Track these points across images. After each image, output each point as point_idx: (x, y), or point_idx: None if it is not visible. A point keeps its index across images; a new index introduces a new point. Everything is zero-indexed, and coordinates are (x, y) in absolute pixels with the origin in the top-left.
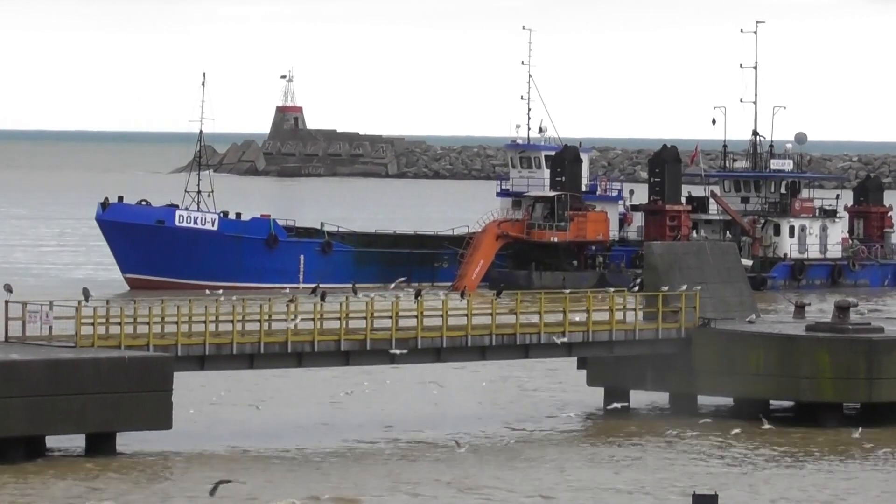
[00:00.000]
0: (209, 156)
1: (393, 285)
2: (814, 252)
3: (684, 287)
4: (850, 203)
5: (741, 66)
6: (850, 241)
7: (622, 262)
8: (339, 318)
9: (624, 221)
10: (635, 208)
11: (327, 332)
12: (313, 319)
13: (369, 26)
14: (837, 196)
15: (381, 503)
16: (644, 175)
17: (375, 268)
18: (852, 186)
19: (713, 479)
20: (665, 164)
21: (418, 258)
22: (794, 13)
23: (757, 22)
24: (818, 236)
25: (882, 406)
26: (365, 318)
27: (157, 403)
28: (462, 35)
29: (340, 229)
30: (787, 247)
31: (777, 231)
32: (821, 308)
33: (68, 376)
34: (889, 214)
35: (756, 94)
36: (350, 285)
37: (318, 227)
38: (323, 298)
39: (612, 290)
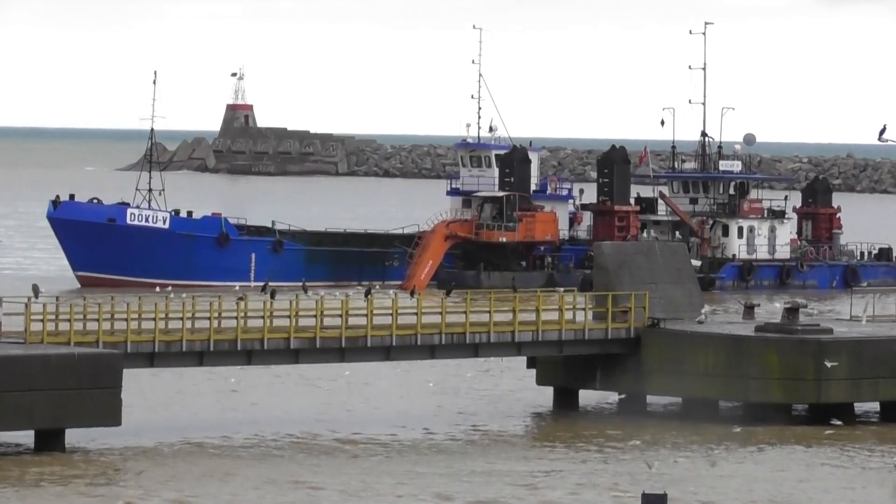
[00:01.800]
0: (160, 153)
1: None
2: (762, 253)
3: None
4: (798, 204)
5: (690, 67)
6: (799, 243)
7: (571, 262)
8: (289, 317)
9: (574, 220)
10: (585, 207)
11: (277, 329)
12: (262, 317)
13: (320, 25)
14: (786, 197)
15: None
16: (594, 175)
17: (326, 266)
18: (801, 188)
19: (662, 479)
20: (614, 164)
21: (368, 257)
22: (742, 15)
23: (706, 23)
24: (767, 237)
25: (830, 407)
26: (315, 316)
27: (106, 400)
28: (412, 34)
29: (291, 228)
30: (736, 248)
31: (725, 232)
32: (769, 309)
33: (17, 372)
34: (838, 216)
35: (705, 96)
36: (300, 283)
37: (269, 225)
38: (272, 296)
39: (563, 290)
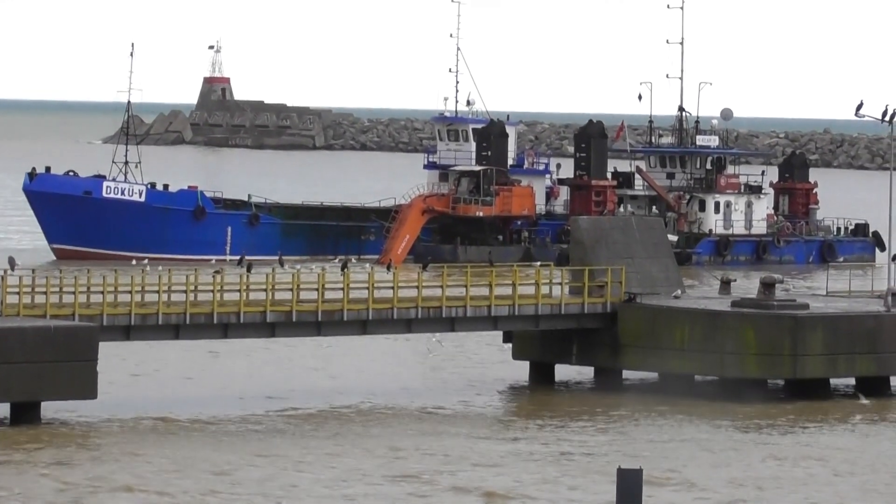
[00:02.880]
0: (136, 126)
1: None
2: (739, 228)
3: None
4: (775, 179)
5: (667, 41)
6: (776, 218)
7: (548, 236)
8: (266, 290)
9: (550, 195)
10: (562, 182)
11: (253, 303)
12: (239, 290)
13: None
14: (763, 172)
15: (300, 475)
16: (571, 149)
17: (302, 240)
18: (778, 163)
19: (638, 454)
20: (591, 139)
21: (345, 231)
22: None
23: None
24: (743, 212)
25: (806, 382)
26: (291, 289)
27: (82, 373)
28: (390, 7)
29: (267, 201)
30: (713, 223)
31: (702, 207)
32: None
33: None
34: (814, 191)
35: (682, 70)
36: (277, 257)
37: (246, 198)
38: (249, 269)
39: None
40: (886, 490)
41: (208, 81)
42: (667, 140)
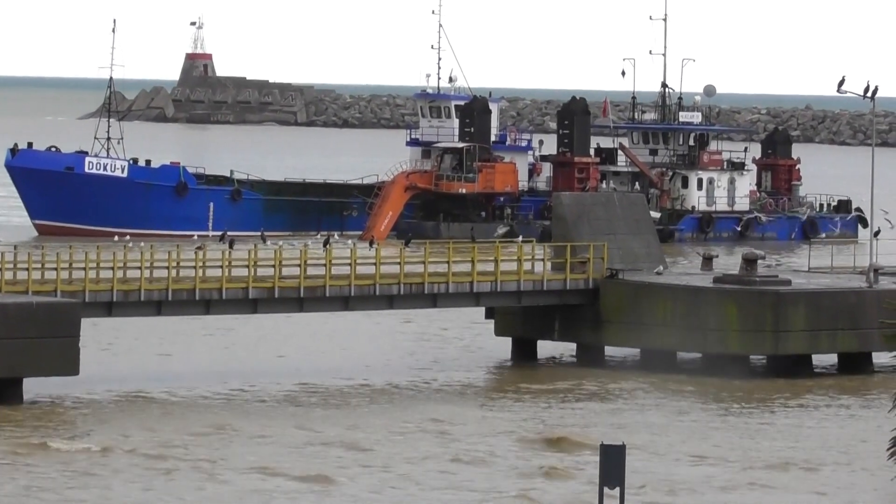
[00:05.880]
0: (118, 102)
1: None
2: (721, 205)
3: None
4: (758, 156)
5: (651, 17)
6: (758, 194)
7: (530, 213)
8: (248, 266)
9: (533, 172)
10: (544, 159)
11: (235, 279)
12: (221, 267)
13: None
14: (745, 149)
15: (277, 449)
16: (553, 126)
17: (284, 216)
18: (760, 139)
19: (621, 429)
20: (574, 115)
21: (327, 207)
22: None
23: None
24: (726, 189)
25: (788, 358)
26: (273, 266)
27: (64, 349)
28: None
29: (250, 177)
30: (695, 199)
31: (685, 183)
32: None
33: None
34: (797, 167)
35: (665, 47)
36: (259, 233)
37: (228, 174)
38: (231, 246)
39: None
40: (868, 467)
41: (190, 58)
42: (650, 116)
